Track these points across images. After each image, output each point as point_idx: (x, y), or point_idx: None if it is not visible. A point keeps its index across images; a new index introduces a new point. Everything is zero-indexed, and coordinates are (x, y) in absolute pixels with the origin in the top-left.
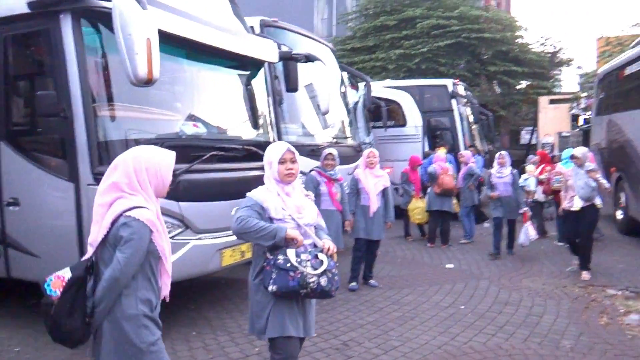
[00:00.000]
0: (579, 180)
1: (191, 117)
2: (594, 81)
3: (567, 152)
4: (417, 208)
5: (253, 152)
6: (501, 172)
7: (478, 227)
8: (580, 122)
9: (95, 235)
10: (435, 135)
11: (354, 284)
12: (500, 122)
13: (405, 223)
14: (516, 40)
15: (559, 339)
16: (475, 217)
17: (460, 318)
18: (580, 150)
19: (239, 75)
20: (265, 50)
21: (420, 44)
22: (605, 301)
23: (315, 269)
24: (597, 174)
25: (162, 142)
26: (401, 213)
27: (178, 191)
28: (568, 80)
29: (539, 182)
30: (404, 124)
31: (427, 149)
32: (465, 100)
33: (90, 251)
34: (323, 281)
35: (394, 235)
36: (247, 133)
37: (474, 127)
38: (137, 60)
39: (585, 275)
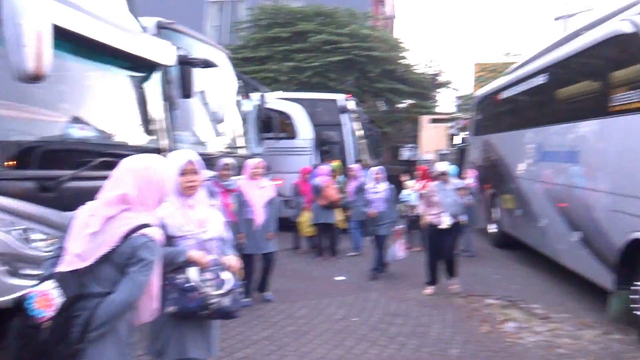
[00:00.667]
0: (447, 198)
1: (78, 120)
2: (470, 103)
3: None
4: (308, 220)
5: None
6: (376, 188)
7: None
8: (457, 141)
9: (93, 249)
10: (325, 148)
11: (247, 299)
12: (383, 138)
13: (295, 235)
14: (401, 61)
15: (446, 347)
16: (364, 230)
17: (354, 330)
18: (444, 166)
19: (132, 77)
20: (162, 52)
21: (311, 58)
22: (485, 310)
23: (218, 289)
24: (465, 192)
25: (44, 145)
26: (291, 225)
27: (63, 199)
28: (446, 102)
29: (421, 197)
30: (294, 137)
31: (317, 162)
32: (355, 115)
33: (76, 263)
34: (226, 302)
35: (284, 247)
36: (139, 139)
37: (362, 141)
38: (26, 53)
39: (455, 287)
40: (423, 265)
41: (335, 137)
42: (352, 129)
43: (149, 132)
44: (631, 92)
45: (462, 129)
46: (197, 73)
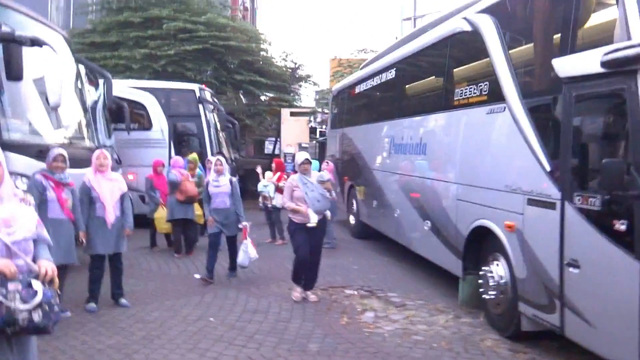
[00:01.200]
0: (311, 192)
1: None
2: (328, 98)
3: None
4: (164, 216)
5: None
6: (218, 181)
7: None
8: (317, 134)
9: None
10: (182, 140)
11: (92, 304)
12: (245, 131)
13: (152, 233)
14: (261, 53)
15: (305, 342)
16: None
17: (210, 331)
18: (304, 155)
19: None
20: None
21: (166, 46)
22: (344, 301)
23: (26, 302)
24: (329, 185)
25: None
26: (147, 222)
27: None
28: (307, 96)
29: (277, 189)
30: (149, 128)
31: (173, 154)
32: (212, 107)
33: None
34: (36, 316)
35: (139, 245)
36: None
37: (221, 134)
38: None
39: (314, 297)
40: (285, 258)
41: (193, 128)
42: (209, 121)
43: None
44: (470, 86)
45: (322, 123)
46: (28, 55)
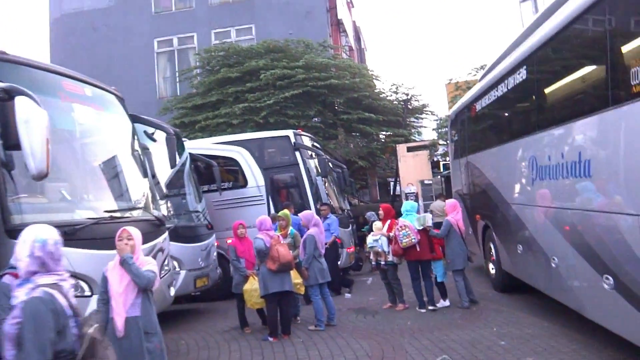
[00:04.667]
0: None
1: None
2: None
3: (407, 205)
4: (255, 289)
5: None
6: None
7: (335, 301)
8: (441, 168)
9: None
10: (281, 194)
11: None
12: (360, 173)
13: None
14: (368, 88)
15: None
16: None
17: None
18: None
19: None
20: None
21: (266, 97)
22: None
23: None
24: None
25: None
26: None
27: None
28: (425, 127)
29: (390, 241)
30: (244, 185)
31: (272, 211)
32: (310, 152)
33: None
34: None
35: (228, 325)
36: None
37: (325, 181)
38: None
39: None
40: (416, 331)
41: (290, 179)
42: (309, 168)
43: None
44: None
45: (445, 155)
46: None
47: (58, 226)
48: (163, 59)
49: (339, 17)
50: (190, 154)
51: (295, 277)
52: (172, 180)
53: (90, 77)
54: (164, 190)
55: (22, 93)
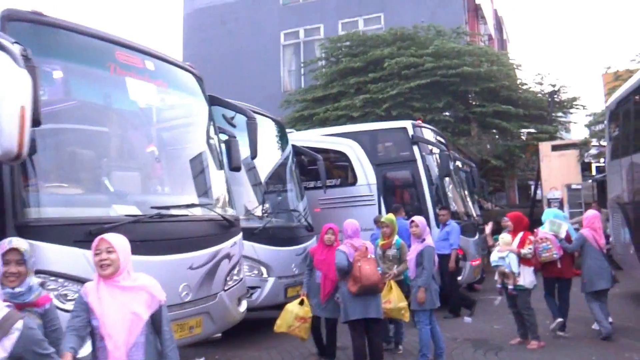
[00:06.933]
0: None
1: None
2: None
3: (550, 213)
4: (294, 313)
5: None
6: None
7: (452, 326)
8: (593, 171)
9: None
10: (394, 194)
11: None
12: (495, 174)
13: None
14: (507, 78)
15: None
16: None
17: None
18: None
19: None
20: None
21: (389, 87)
22: None
23: None
24: None
25: None
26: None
27: None
28: (575, 123)
29: (522, 260)
30: (353, 182)
31: (384, 213)
32: (431, 147)
33: None
34: None
35: (303, 354)
36: None
37: (448, 181)
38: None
39: None
40: None
41: (406, 178)
42: (429, 166)
43: None
44: None
45: (599, 156)
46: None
47: (83, 224)
48: (289, 51)
49: (477, 2)
50: (293, 146)
51: (399, 300)
52: (271, 174)
53: (218, 73)
54: (263, 185)
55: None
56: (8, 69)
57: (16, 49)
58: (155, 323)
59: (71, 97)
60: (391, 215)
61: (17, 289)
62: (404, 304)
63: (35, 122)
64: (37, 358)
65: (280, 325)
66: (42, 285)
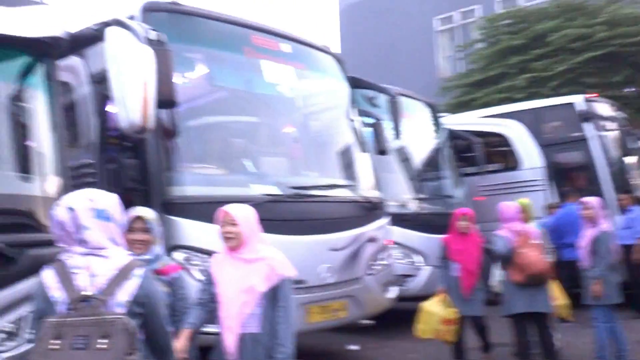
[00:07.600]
0: None
1: None
2: None
3: None
4: (436, 315)
5: None
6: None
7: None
8: None
9: None
10: (565, 178)
11: None
12: None
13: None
14: None
15: None
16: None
17: None
18: None
19: None
20: None
21: (556, 64)
22: None
23: None
24: None
25: None
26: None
27: None
28: None
29: None
30: (514, 167)
31: (557, 200)
32: (606, 123)
33: None
34: None
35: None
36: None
37: (630, 163)
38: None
39: None
40: None
41: (577, 159)
42: (605, 145)
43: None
44: None
45: None
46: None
47: (223, 202)
48: (443, 37)
49: None
50: (450, 130)
51: (556, 294)
52: (423, 159)
53: (374, 65)
54: (414, 170)
55: (119, 24)
56: (131, 46)
57: (140, 29)
58: (275, 297)
59: (210, 81)
60: (526, 200)
61: (144, 257)
62: (562, 300)
63: (169, 102)
64: (156, 322)
65: (425, 330)
66: (187, 260)
